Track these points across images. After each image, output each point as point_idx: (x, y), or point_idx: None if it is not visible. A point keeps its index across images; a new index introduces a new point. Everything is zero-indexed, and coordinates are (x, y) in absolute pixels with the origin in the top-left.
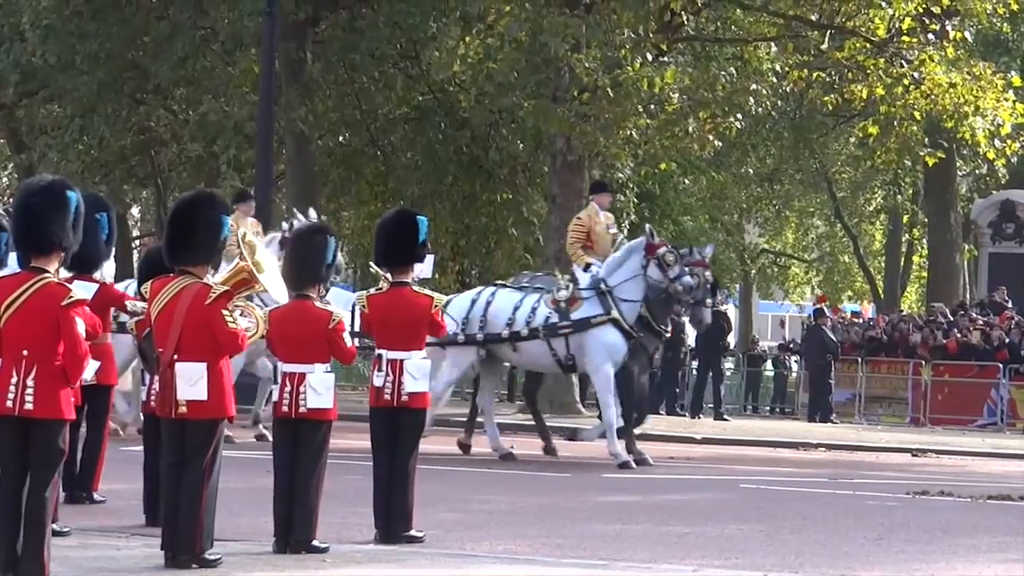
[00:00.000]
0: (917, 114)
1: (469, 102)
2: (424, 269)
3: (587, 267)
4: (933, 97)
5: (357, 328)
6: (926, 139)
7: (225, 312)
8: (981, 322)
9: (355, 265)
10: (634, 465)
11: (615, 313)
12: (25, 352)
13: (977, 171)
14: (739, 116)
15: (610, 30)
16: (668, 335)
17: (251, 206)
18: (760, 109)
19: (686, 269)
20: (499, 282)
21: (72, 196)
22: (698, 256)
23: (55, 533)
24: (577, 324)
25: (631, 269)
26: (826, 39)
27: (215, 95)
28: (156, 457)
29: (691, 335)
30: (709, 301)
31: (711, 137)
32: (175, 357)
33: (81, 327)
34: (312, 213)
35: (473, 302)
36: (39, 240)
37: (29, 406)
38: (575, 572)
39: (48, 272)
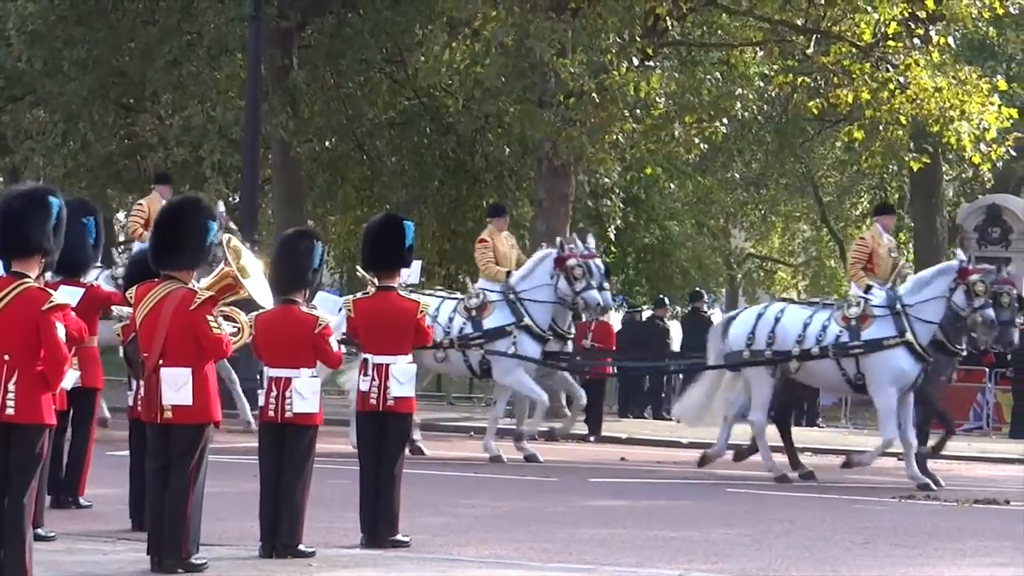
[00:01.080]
0: (903, 118)
1: (456, 107)
2: (411, 274)
3: (868, 289)
4: (919, 101)
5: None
6: (911, 144)
7: (210, 317)
8: None
9: (342, 270)
10: (935, 488)
11: (909, 335)
12: (6, 357)
13: (963, 175)
14: (725, 120)
15: (596, 35)
16: (964, 354)
17: (505, 220)
18: (746, 114)
19: (990, 301)
20: (786, 297)
21: (54, 202)
22: (1004, 274)
23: (41, 538)
24: (868, 345)
25: (936, 290)
26: (812, 44)
27: (201, 100)
28: (142, 462)
29: (676, 339)
30: (1020, 320)
31: (697, 141)
32: (160, 362)
33: (62, 332)
34: None
35: (759, 317)
36: (20, 244)
37: (10, 411)
38: None
39: (29, 277)
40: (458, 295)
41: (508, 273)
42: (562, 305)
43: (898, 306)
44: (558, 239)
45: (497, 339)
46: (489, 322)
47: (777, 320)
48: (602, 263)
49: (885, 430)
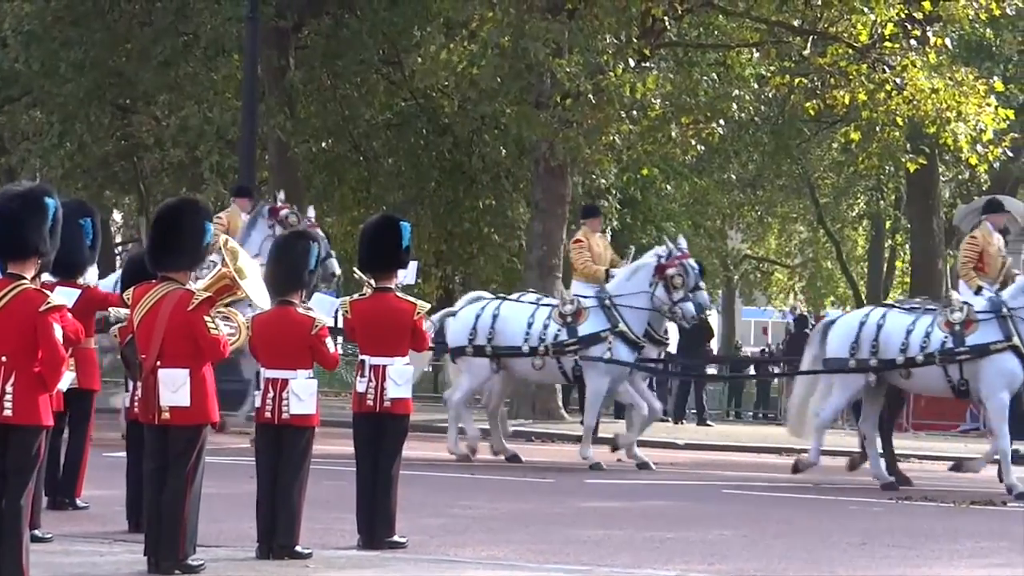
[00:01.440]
0: (899, 120)
1: (452, 108)
2: (407, 275)
3: (979, 290)
4: (915, 103)
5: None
6: (908, 145)
7: (207, 318)
8: None
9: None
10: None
11: (1016, 340)
12: (3, 358)
13: (959, 177)
14: (721, 122)
15: (592, 36)
16: None
17: (599, 221)
18: (742, 115)
19: None
20: (887, 302)
21: (50, 203)
22: None
23: (38, 539)
24: (974, 350)
25: None
26: (808, 45)
27: (198, 101)
28: (139, 463)
29: (673, 341)
30: None
31: (693, 142)
32: (158, 363)
33: (59, 333)
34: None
35: (862, 324)
36: (16, 246)
37: (8, 412)
38: None
39: (25, 279)
40: (551, 300)
41: (607, 271)
42: (658, 313)
43: (1004, 310)
44: (659, 247)
45: (592, 345)
46: (584, 328)
47: (880, 327)
48: (695, 262)
49: (1001, 436)
